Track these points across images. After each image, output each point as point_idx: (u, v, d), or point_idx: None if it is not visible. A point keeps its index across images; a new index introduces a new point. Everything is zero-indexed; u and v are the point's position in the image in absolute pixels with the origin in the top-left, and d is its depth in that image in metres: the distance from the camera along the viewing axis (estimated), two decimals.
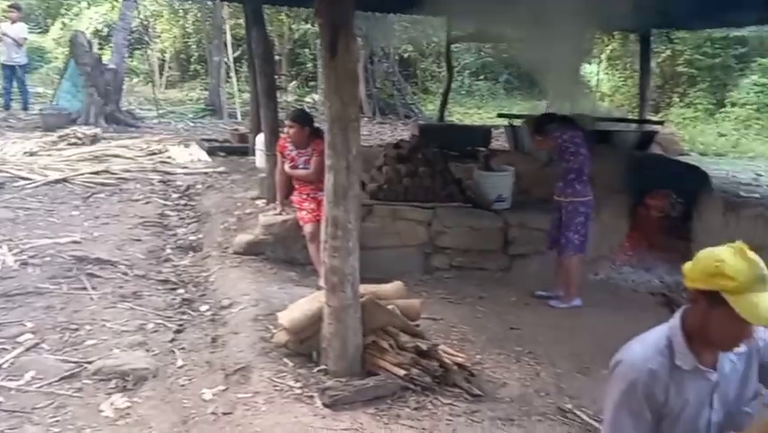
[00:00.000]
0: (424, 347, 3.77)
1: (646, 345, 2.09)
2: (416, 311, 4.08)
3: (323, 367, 3.81)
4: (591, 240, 5.54)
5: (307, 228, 5.32)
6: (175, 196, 7.45)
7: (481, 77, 22.49)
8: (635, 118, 9.77)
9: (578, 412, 3.55)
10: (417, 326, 4.11)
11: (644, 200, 6.15)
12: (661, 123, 9.94)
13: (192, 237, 6.21)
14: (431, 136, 9.12)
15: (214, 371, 3.81)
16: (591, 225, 5.37)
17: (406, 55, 20.23)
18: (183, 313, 4.67)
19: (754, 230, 6.27)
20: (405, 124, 15.03)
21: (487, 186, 6.28)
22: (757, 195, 7.94)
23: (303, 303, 4.11)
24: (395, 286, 4.19)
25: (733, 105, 17.93)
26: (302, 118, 5.42)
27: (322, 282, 4.99)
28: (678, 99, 19.31)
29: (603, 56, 20.18)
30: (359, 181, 3.65)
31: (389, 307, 3.92)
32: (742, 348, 2.09)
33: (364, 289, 3.96)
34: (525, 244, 5.94)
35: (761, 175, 9.03)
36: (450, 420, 3.38)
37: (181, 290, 5.10)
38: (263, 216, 5.80)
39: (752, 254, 1.95)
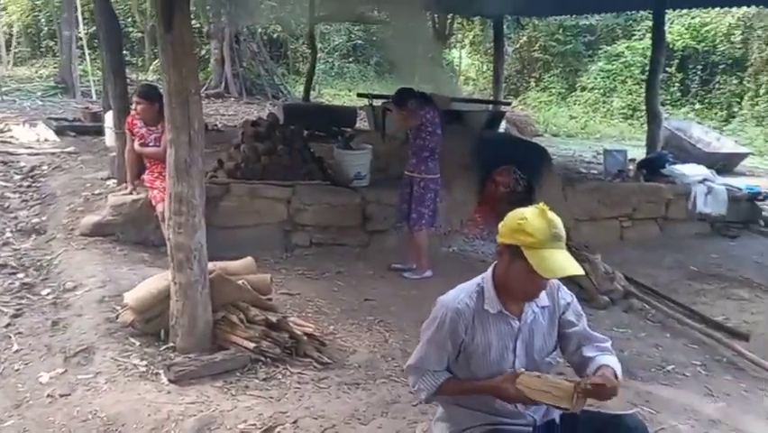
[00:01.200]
0: (273, 320, 3.82)
1: (459, 290, 2.34)
2: (266, 285, 4.12)
3: (171, 345, 3.77)
4: (442, 214, 5.82)
5: (159, 207, 5.17)
6: (17, 177, 6.95)
7: (351, 59, 22.60)
8: (485, 99, 10.27)
9: None
10: (269, 300, 4.16)
11: (491, 176, 6.51)
12: (508, 103, 10.53)
13: (35, 220, 5.84)
14: (296, 116, 9.17)
15: (53, 354, 3.66)
16: (439, 200, 5.63)
17: (275, 35, 19.96)
18: (21, 298, 4.41)
19: (589, 203, 6.87)
20: (273, 104, 14.87)
21: (346, 164, 6.41)
22: (595, 171, 8.65)
23: (150, 282, 4.02)
24: (245, 262, 4.21)
25: (582, 89, 19.28)
26: (151, 94, 5.25)
27: None
28: (534, 84, 20.51)
29: (466, 41, 20.95)
30: (202, 156, 3.61)
31: (239, 282, 3.94)
32: (545, 302, 2.33)
33: (213, 265, 3.95)
34: (382, 220, 6.12)
35: (600, 153, 9.81)
36: (298, 388, 3.47)
37: (21, 275, 4.80)
38: (112, 197, 5.58)
39: (551, 215, 2.17)
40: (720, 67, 16.89)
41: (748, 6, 11.29)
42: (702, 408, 3.57)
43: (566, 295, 2.38)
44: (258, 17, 16.39)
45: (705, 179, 7.08)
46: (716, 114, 16.42)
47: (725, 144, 10.84)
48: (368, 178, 6.48)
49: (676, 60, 17.60)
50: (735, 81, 16.51)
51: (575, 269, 2.12)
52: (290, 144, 6.27)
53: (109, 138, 6.79)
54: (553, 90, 19.85)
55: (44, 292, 4.50)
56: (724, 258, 6.42)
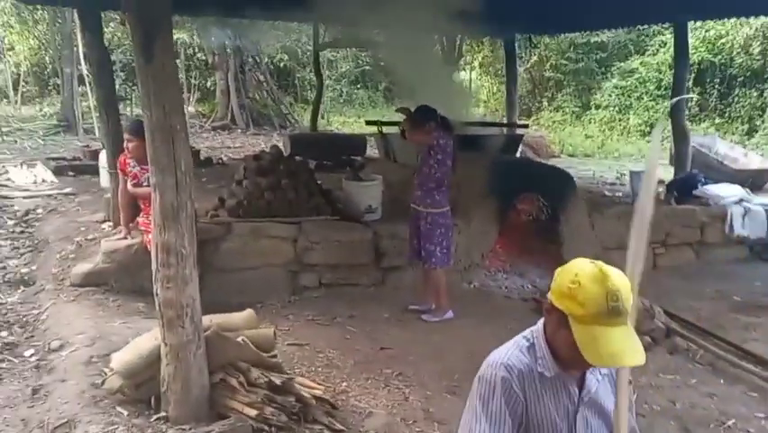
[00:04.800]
0: (278, 382, 3.37)
1: (508, 347, 1.89)
2: (269, 341, 3.67)
3: (163, 415, 3.32)
4: (462, 247, 5.37)
5: None
6: (10, 223, 6.59)
7: (360, 85, 22.38)
8: (502, 122, 9.85)
9: None
10: (274, 356, 3.70)
11: (512, 204, 6.06)
12: (525, 126, 10.09)
13: (24, 270, 5.46)
14: (303, 147, 8.81)
15: (29, 430, 3.22)
16: (452, 235, 5.18)
17: (281, 64, 19.77)
18: (2, 361, 4.00)
19: (618, 229, 6.36)
20: (280, 134, 14.56)
21: (356, 196, 5.99)
22: (620, 193, 8.16)
23: (139, 342, 3.59)
24: (245, 315, 3.76)
25: (597, 107, 18.86)
26: (142, 130, 4.85)
27: None
28: (547, 103, 20.11)
29: (476, 63, 20.63)
30: (191, 199, 3.20)
31: (238, 339, 3.49)
32: (606, 369, 1.87)
33: (209, 320, 3.52)
34: (397, 256, 5.68)
35: (623, 174, 9.32)
36: None
37: (4, 333, 4.40)
38: (105, 242, 5.18)
39: (615, 280, 1.68)
40: (739, 79, 16.39)
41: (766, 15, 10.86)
42: None
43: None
44: (263, 46, 16.19)
45: (741, 200, 6.59)
46: (737, 128, 15.89)
47: (752, 160, 10.30)
48: (379, 210, 6.05)
49: (693, 74, 17.16)
50: (755, 94, 15.99)
51: (635, 358, 1.65)
52: (296, 178, 5.87)
53: (104, 178, 6.41)
54: (567, 110, 19.45)
55: (27, 353, 4.08)
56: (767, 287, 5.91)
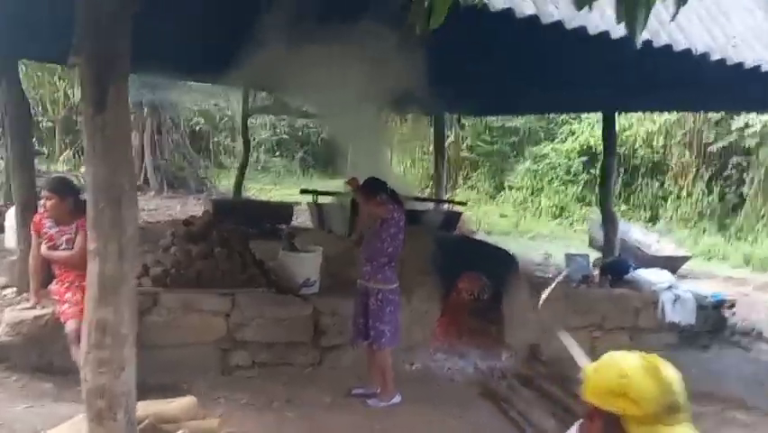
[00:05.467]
0: None
1: None
2: None
3: None
4: (402, 327, 5.09)
5: (70, 325, 4.21)
6: None
7: (277, 153, 22.21)
8: (441, 198, 9.84)
9: None
10: None
11: (454, 283, 5.88)
12: (464, 203, 10.14)
13: None
14: (226, 212, 8.35)
15: None
16: (399, 314, 4.91)
17: (197, 128, 19.30)
18: None
19: (559, 312, 6.32)
20: (197, 198, 13.94)
21: (293, 268, 5.61)
22: (549, 274, 8.19)
23: None
24: (184, 403, 3.30)
25: (510, 188, 19.48)
26: (62, 188, 4.38)
27: None
28: (462, 182, 20.60)
29: (395, 138, 20.96)
30: (134, 271, 2.78)
31: None
32: None
33: (143, 409, 3.03)
34: (337, 335, 5.31)
35: (550, 255, 9.44)
36: None
37: None
38: (10, 312, 4.53)
39: (667, 373, 1.51)
40: (641, 171, 17.46)
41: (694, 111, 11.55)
42: None
43: None
44: (182, 108, 15.71)
45: (671, 286, 6.72)
46: (641, 215, 16.76)
47: (665, 247, 10.76)
48: (317, 284, 5.69)
49: (599, 162, 18.12)
50: (656, 184, 17.04)
51: None
52: (229, 246, 5.46)
53: (10, 238, 5.71)
54: (481, 189, 19.98)
55: None
56: (704, 373, 5.94)
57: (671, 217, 16.01)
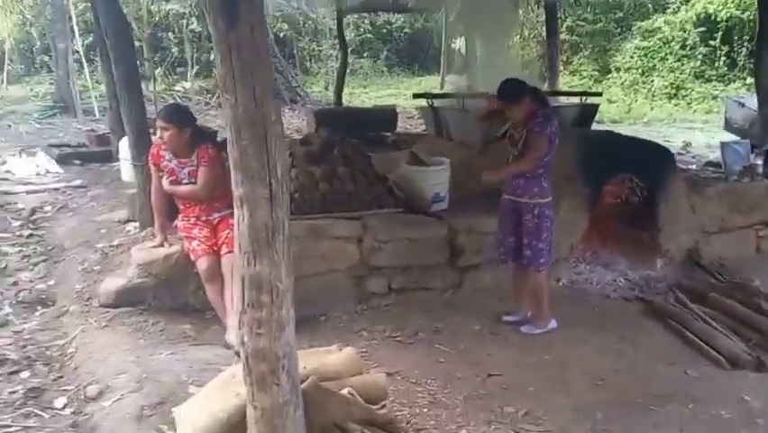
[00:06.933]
0: None
1: None
2: (381, 390, 2.86)
3: None
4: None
5: (202, 264, 3.96)
6: (16, 224, 5.70)
7: (365, 54, 21.37)
8: (574, 91, 8.94)
9: None
10: (384, 406, 2.89)
11: (603, 187, 5.23)
12: (599, 94, 9.17)
13: (41, 285, 4.60)
14: (329, 123, 7.89)
15: None
16: (554, 229, 4.35)
17: (281, 34, 18.68)
18: (28, 416, 3.16)
19: (719, 211, 5.59)
20: (293, 109, 13.57)
21: (421, 183, 5.11)
22: (693, 166, 7.34)
23: (212, 393, 2.78)
24: (344, 356, 2.94)
25: (618, 69, 17.97)
26: (178, 117, 4.00)
27: (232, 337, 3.69)
28: (562, 68, 19.17)
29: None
30: (288, 218, 2.34)
31: (345, 391, 2.68)
32: None
33: (302, 366, 2.69)
34: (475, 254, 4.85)
35: (689, 143, 8.46)
36: None
37: (26, 374, 3.56)
38: (138, 251, 4.32)
39: None
40: None
41: None
42: None
43: None
44: (266, 14, 15.09)
45: None
46: None
47: None
48: (447, 199, 5.19)
49: (720, 32, 16.28)
50: None
51: None
52: (352, 164, 5.01)
53: (126, 171, 5.48)
54: (585, 73, 18.56)
55: (59, 404, 3.25)
56: None
57: None
